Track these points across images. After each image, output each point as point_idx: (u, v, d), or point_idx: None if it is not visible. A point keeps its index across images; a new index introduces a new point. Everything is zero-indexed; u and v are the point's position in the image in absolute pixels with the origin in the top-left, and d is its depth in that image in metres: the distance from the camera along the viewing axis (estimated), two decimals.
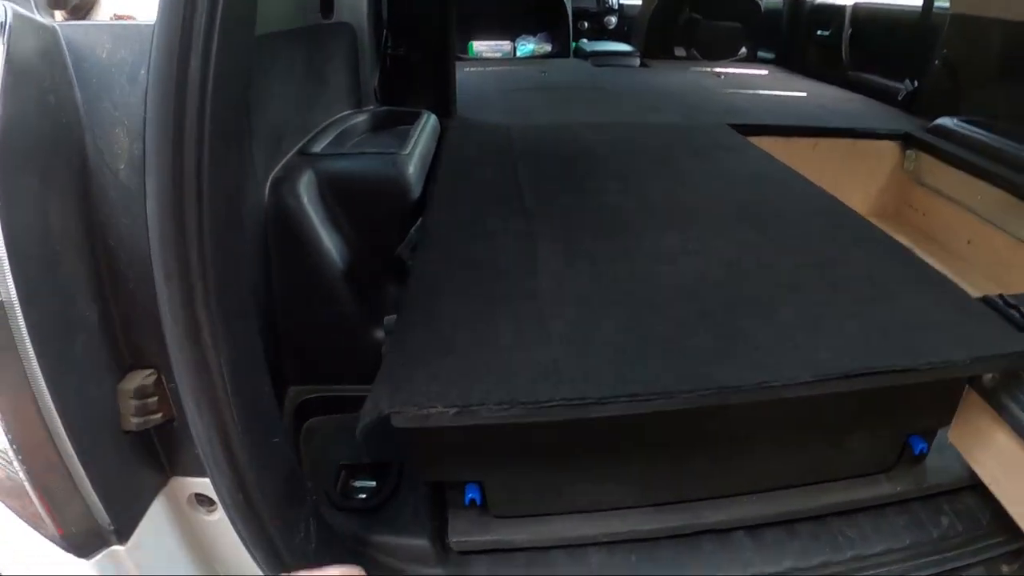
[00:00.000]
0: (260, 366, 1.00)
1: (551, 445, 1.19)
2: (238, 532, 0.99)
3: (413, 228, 1.57)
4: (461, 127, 2.35)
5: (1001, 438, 1.29)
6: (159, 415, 0.95)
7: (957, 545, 1.36)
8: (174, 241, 0.85)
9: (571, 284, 1.31)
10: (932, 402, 1.33)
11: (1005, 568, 1.43)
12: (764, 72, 4.12)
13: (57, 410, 0.84)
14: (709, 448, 1.27)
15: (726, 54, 4.65)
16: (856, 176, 2.50)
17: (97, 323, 0.90)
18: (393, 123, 2.01)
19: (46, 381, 0.82)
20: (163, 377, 0.94)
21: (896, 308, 1.29)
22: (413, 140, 1.79)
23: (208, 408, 0.91)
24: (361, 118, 2.00)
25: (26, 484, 0.87)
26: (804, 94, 3.33)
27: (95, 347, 0.90)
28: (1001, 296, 1.32)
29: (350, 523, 1.26)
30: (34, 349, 0.81)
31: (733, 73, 4.04)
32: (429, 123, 2.08)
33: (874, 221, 1.74)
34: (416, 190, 1.65)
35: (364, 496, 1.32)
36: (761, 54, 4.66)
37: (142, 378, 0.93)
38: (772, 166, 1.98)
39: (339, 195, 1.55)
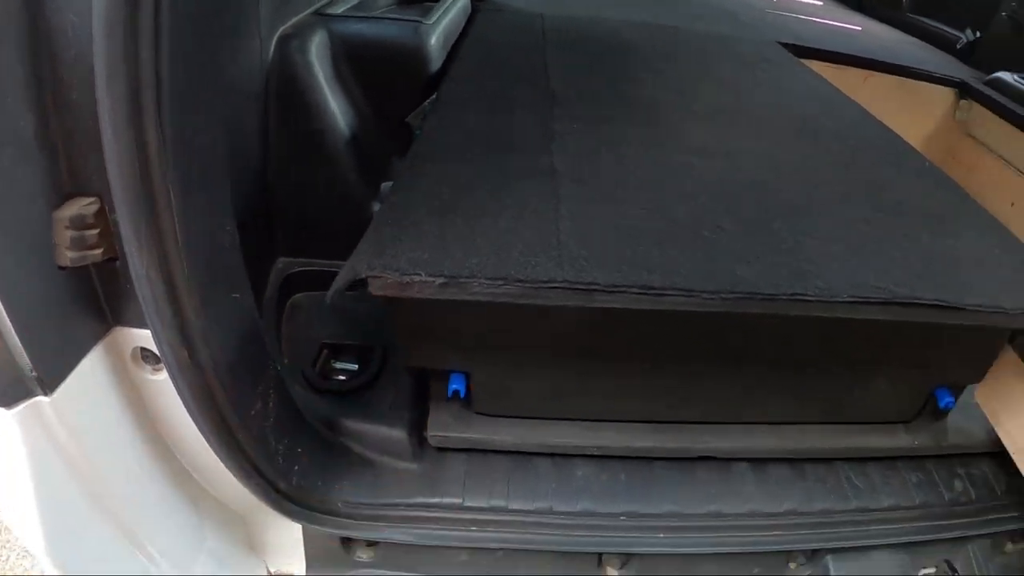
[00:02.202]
0: (222, 205, 0.80)
1: (547, 341, 1.00)
2: (180, 395, 0.81)
3: (427, 101, 1.35)
4: (493, 11, 2.08)
5: None
6: (99, 251, 0.75)
7: (967, 513, 1.16)
8: (122, 30, 0.64)
9: (590, 165, 1.09)
10: (966, 354, 1.11)
11: (1010, 546, 1.24)
12: (819, 2, 3.65)
13: None
14: (719, 368, 1.06)
15: None
16: (904, 118, 2.03)
17: (32, 136, 0.70)
18: None
19: None
20: (107, 208, 0.75)
21: (947, 244, 1.06)
22: (439, 12, 1.54)
23: (150, 243, 0.71)
24: None
25: None
26: (859, 28, 2.96)
27: (26, 164, 0.70)
28: None
29: (323, 405, 1.08)
30: None
31: None
32: (459, 1, 1.82)
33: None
34: (436, 63, 1.42)
35: (343, 378, 1.15)
36: None
37: (81, 206, 0.73)
38: (822, 85, 1.71)
39: (353, 59, 1.32)
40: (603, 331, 0.98)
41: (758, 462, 1.12)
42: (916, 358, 1.10)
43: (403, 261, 0.83)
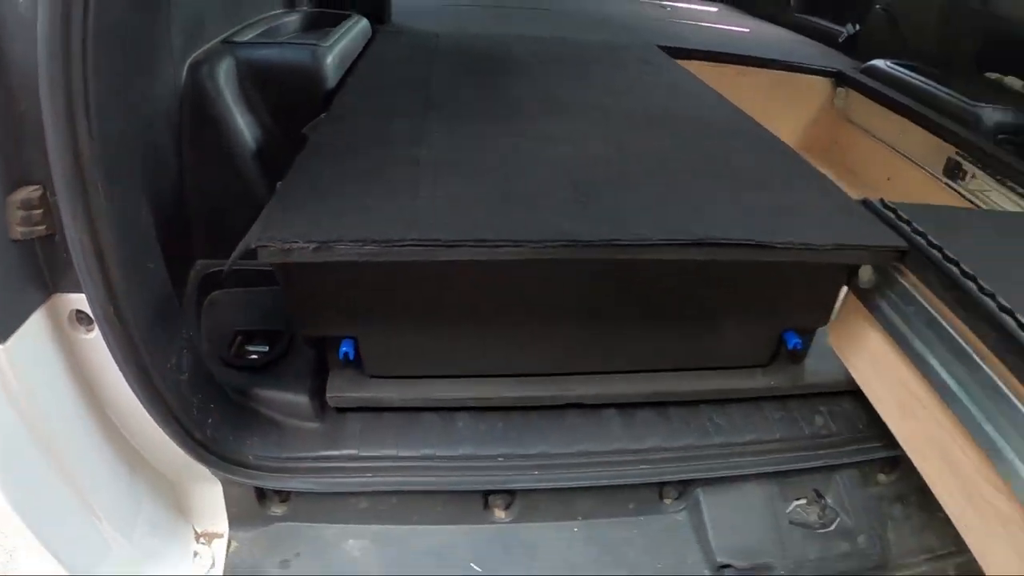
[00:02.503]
0: (138, 194, 1.24)
1: (424, 306, 1.42)
2: (108, 347, 1.23)
3: (323, 114, 1.81)
4: (393, 32, 2.64)
5: (874, 340, 1.49)
6: (42, 227, 1.19)
7: (829, 444, 1.57)
8: (60, 58, 1.09)
9: (450, 155, 1.54)
10: (808, 298, 1.54)
11: (882, 476, 1.65)
12: (714, 9, 4.69)
13: None
14: (581, 323, 1.49)
15: None
16: (786, 109, 2.92)
17: None
18: (324, 24, 2.27)
19: None
20: (48, 193, 1.19)
21: (774, 198, 1.50)
22: (336, 36, 2.06)
23: (83, 218, 1.15)
24: (293, 17, 2.28)
25: None
26: (747, 30, 3.82)
27: None
28: (881, 200, 1.52)
29: (238, 378, 1.50)
30: None
31: (682, 7, 4.61)
32: (358, 25, 2.37)
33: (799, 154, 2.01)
34: (331, 80, 1.90)
35: (254, 357, 1.57)
36: None
37: (29, 192, 1.17)
38: (689, 80, 2.24)
39: (257, 81, 1.80)
40: (472, 296, 1.41)
41: (625, 407, 1.54)
42: (760, 304, 1.53)
43: (284, 233, 1.26)
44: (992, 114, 2.51)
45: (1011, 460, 1.14)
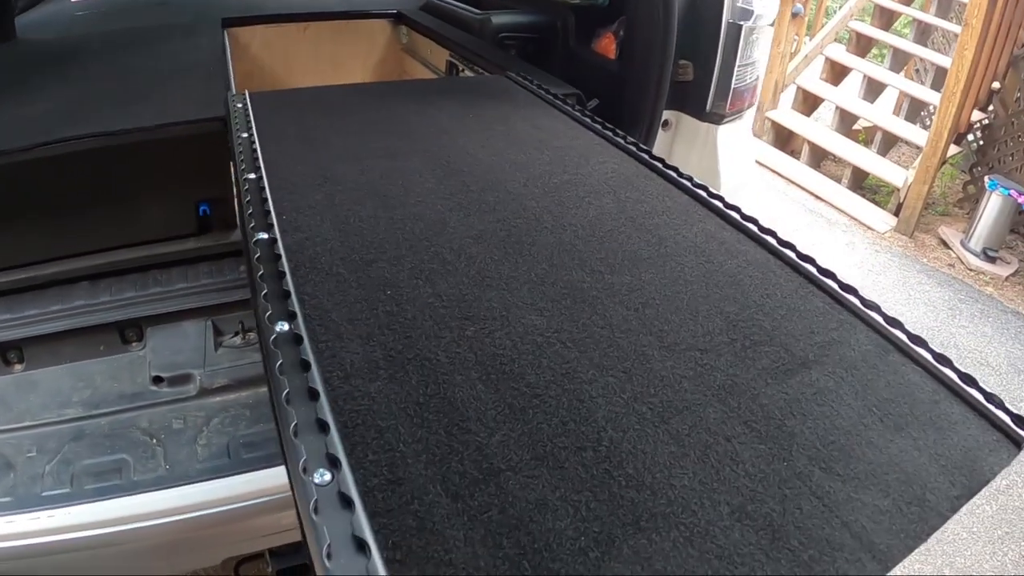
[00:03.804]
0: None
1: None
2: None
3: None
4: (12, 45, 3.92)
5: None
6: None
7: (244, 284, 2.64)
8: None
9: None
10: (206, 175, 2.65)
11: None
12: None
13: None
14: (54, 220, 2.69)
15: None
16: (355, 51, 4.13)
17: None
18: None
19: None
20: None
21: (157, 104, 2.66)
22: None
23: None
24: None
25: None
26: None
27: None
28: (248, 92, 2.62)
29: None
30: None
31: None
32: None
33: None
34: None
35: None
36: None
37: None
38: (205, 40, 3.49)
39: None
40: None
41: (93, 277, 2.70)
42: (174, 185, 2.64)
43: None
44: (493, 19, 3.65)
45: None
